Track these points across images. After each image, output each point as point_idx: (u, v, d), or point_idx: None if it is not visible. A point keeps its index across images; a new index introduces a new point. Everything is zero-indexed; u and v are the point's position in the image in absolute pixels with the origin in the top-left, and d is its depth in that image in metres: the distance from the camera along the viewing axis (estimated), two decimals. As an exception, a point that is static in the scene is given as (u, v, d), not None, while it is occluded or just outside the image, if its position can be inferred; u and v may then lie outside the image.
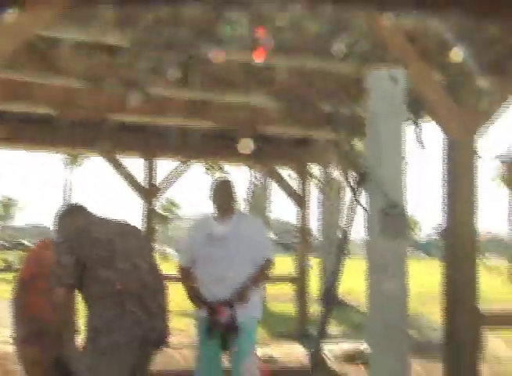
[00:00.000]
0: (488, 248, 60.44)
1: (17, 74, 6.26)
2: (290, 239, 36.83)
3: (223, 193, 4.72)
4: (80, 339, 4.03)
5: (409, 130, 3.55)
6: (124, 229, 3.91)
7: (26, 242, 37.54)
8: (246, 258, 4.61)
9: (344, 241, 3.45)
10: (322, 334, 3.42)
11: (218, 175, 23.65)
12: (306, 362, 7.62)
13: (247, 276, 4.58)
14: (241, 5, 4.26)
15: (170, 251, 47.98)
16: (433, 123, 4.16)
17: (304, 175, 9.84)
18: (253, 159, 9.05)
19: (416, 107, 3.51)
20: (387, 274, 3.29)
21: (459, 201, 4.03)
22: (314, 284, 12.62)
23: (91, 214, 3.99)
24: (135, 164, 9.18)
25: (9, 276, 10.38)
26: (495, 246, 63.30)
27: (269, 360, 7.45)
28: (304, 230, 9.72)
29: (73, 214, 4.02)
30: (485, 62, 4.38)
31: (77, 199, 45.96)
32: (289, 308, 11.96)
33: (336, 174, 15.75)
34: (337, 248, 3.48)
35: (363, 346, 7.80)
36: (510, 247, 30.43)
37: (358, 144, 10.89)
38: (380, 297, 3.30)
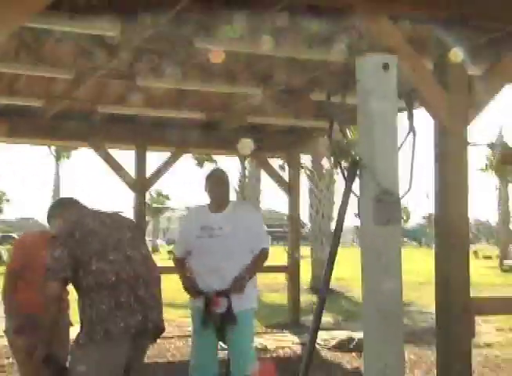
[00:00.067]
0: (478, 236, 60.94)
1: (3, 65, 6.20)
2: (281, 229, 36.88)
3: (219, 185, 4.72)
4: (73, 332, 4.01)
5: (401, 117, 3.52)
6: (116, 220, 3.90)
7: (15, 235, 37.39)
8: (242, 248, 4.60)
9: (338, 230, 3.44)
10: (317, 324, 3.42)
11: (213, 167, 23.66)
12: (299, 351, 7.65)
13: (243, 267, 4.57)
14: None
15: (160, 242, 48.04)
16: (423, 110, 4.16)
17: (295, 164, 9.82)
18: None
19: (408, 95, 3.50)
20: (380, 261, 3.30)
21: (451, 189, 4.04)
22: (305, 274, 12.65)
23: (83, 206, 3.97)
24: (126, 156, 9.13)
25: (0, 269, 10.35)
26: (485, 233, 63.83)
27: (263, 350, 7.46)
28: (294, 220, 9.71)
29: (65, 207, 4.00)
30: (477, 50, 4.38)
31: (66, 192, 45.77)
32: (280, 298, 11.98)
33: (326, 163, 15.74)
34: (333, 237, 3.47)
35: (355, 334, 7.83)
36: (500, 235, 30.61)
37: (351, 132, 10.92)
38: (375, 283, 3.31)
